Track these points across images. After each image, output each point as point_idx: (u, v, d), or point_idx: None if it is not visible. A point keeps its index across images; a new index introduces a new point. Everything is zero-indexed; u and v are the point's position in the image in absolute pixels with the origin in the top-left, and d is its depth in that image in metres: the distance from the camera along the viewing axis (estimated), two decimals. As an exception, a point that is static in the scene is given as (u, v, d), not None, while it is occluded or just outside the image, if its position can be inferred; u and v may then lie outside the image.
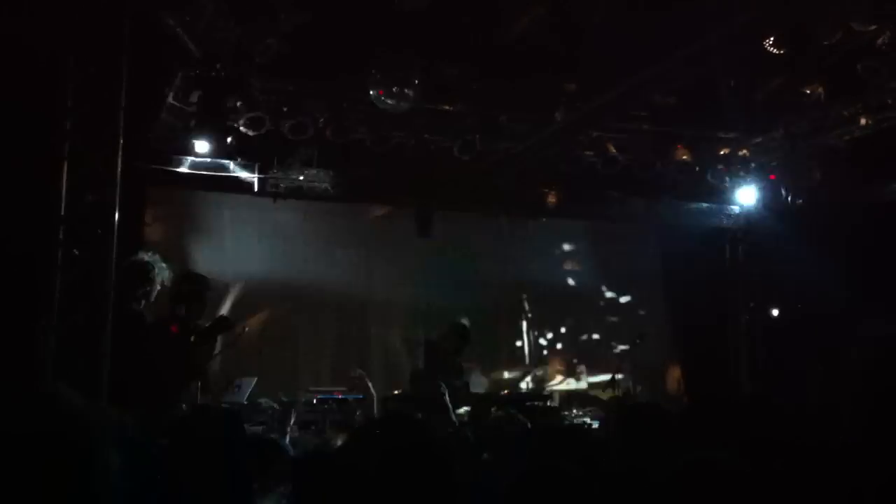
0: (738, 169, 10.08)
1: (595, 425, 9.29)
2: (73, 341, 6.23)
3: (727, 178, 10.33)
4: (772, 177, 10.12)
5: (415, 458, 3.08)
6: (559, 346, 12.48)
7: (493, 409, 9.06)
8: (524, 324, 12.43)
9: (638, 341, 10.48)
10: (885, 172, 8.93)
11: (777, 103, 8.72)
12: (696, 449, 3.43)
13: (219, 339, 7.61)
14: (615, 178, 10.24)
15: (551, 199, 10.72)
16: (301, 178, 10.06)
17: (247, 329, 8.31)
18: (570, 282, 12.63)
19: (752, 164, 10.10)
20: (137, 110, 7.11)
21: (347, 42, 7.23)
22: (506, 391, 10.71)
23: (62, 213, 6.34)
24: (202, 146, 8.97)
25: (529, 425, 5.73)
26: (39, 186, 6.48)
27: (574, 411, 9.93)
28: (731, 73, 7.99)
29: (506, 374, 11.76)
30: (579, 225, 12.49)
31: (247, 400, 8.72)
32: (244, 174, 9.86)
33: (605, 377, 11.07)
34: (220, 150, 9.23)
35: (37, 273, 6.37)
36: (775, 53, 7.19)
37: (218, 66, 7.31)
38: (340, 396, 9.10)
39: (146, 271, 7.08)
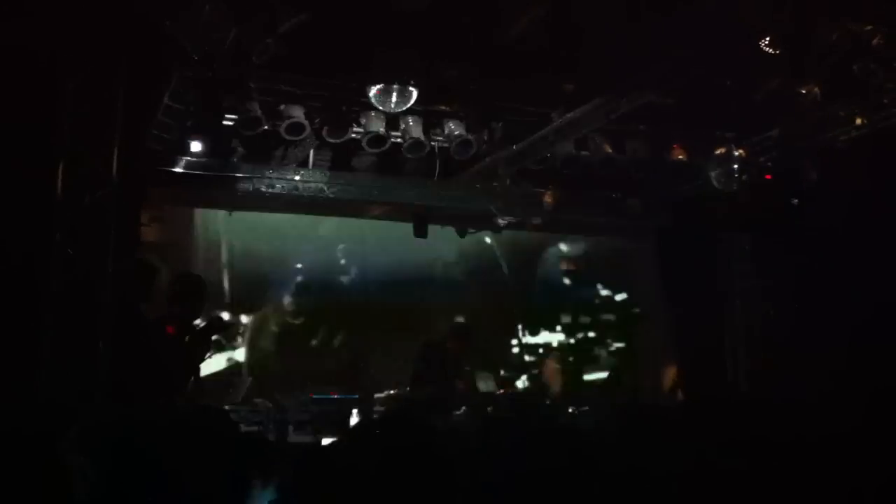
0: (734, 169, 10.09)
1: (592, 424, 9.30)
2: (70, 342, 6.23)
3: (723, 179, 10.33)
4: (767, 177, 10.12)
5: (415, 459, 3.09)
6: (555, 343, 12.50)
7: (489, 409, 9.08)
8: (521, 322, 12.45)
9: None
10: (882, 173, 8.93)
11: (773, 103, 8.72)
12: (693, 449, 3.44)
13: (213, 339, 7.62)
14: (612, 178, 10.26)
15: (548, 198, 10.73)
16: (298, 177, 10.06)
17: (242, 329, 8.34)
18: (566, 281, 12.66)
19: (749, 164, 10.10)
20: (135, 111, 7.11)
21: (345, 42, 7.23)
22: (503, 390, 10.72)
23: (60, 213, 6.34)
24: (199, 146, 8.98)
25: (527, 425, 5.73)
26: (37, 187, 6.47)
27: (571, 409, 9.96)
28: (728, 73, 8.00)
29: (503, 373, 11.78)
30: (575, 226, 12.51)
31: (242, 400, 8.73)
32: (240, 174, 9.86)
33: (603, 374, 11.15)
34: (217, 151, 9.24)
35: (34, 274, 6.36)
36: (771, 54, 7.19)
37: (215, 66, 7.29)
38: (336, 396, 9.11)
39: (144, 272, 7.08)
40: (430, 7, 6.61)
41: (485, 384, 9.52)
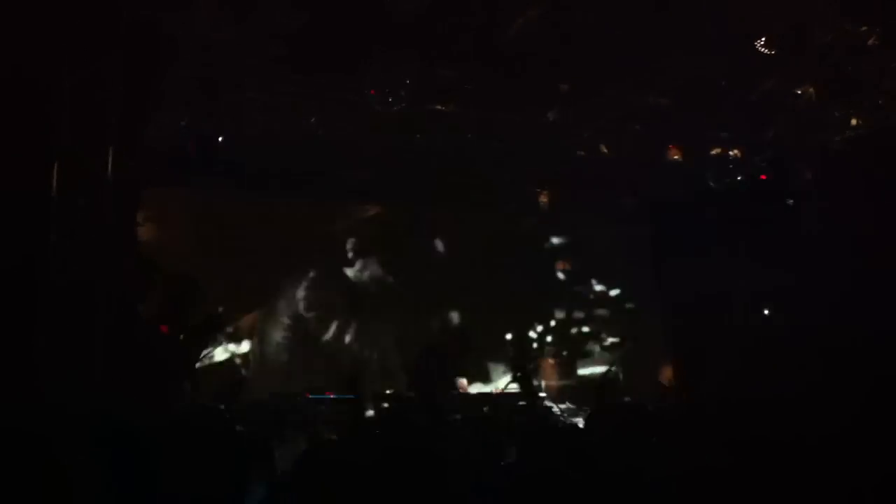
0: (730, 169, 10.12)
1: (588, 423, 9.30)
2: (66, 343, 6.22)
3: (720, 178, 10.36)
4: (763, 177, 10.15)
5: (413, 459, 3.09)
6: (549, 339, 12.51)
7: (485, 409, 9.09)
8: (518, 322, 12.45)
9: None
10: (879, 173, 8.96)
11: (769, 104, 8.74)
12: (688, 449, 3.45)
13: (208, 338, 7.61)
14: (608, 178, 10.28)
15: (544, 198, 10.76)
16: (297, 176, 10.08)
17: (239, 329, 8.34)
18: (562, 277, 12.67)
19: (745, 165, 10.13)
20: (132, 110, 7.10)
21: (343, 43, 7.23)
22: (498, 390, 10.73)
23: (56, 213, 6.32)
24: (197, 146, 8.98)
25: (523, 425, 5.75)
26: (33, 187, 6.45)
27: (567, 405, 9.99)
28: (724, 73, 8.02)
29: (499, 371, 11.79)
30: (573, 224, 12.53)
31: (238, 399, 8.72)
32: (239, 174, 9.86)
33: (599, 369, 11.18)
34: (214, 151, 9.23)
35: (29, 275, 6.35)
36: (767, 54, 7.22)
37: (213, 66, 7.30)
38: (333, 396, 9.11)
39: (139, 272, 7.07)
40: (425, 8, 6.63)
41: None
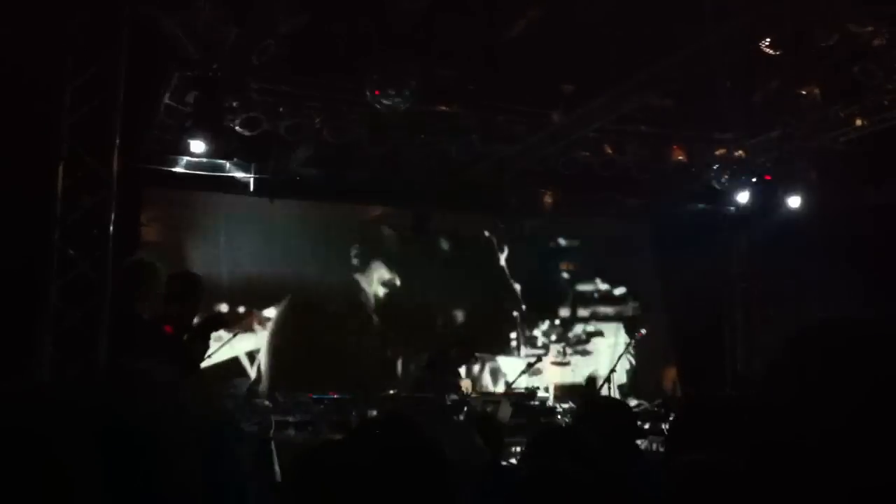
0: (734, 170, 10.09)
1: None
2: (69, 342, 6.23)
3: (723, 179, 10.34)
4: (767, 177, 10.12)
5: (414, 460, 3.08)
6: (553, 338, 12.50)
7: (488, 409, 9.07)
8: (519, 321, 12.44)
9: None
10: (881, 173, 8.94)
11: (774, 104, 8.72)
12: (683, 450, 3.42)
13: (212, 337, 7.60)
14: (612, 179, 10.26)
15: (548, 199, 10.74)
16: (298, 178, 10.07)
17: (242, 329, 8.31)
18: (566, 276, 12.66)
19: (749, 165, 10.11)
20: (134, 111, 7.11)
21: (345, 43, 7.23)
22: (501, 389, 10.72)
23: (59, 214, 6.33)
24: (199, 146, 8.97)
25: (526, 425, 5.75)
26: (36, 187, 6.47)
27: (570, 404, 9.97)
28: (728, 74, 8.00)
29: (501, 370, 11.77)
30: (576, 226, 12.51)
31: (242, 399, 8.72)
32: (240, 174, 9.86)
33: (603, 370, 11.15)
34: (216, 151, 9.23)
35: (34, 274, 6.36)
36: (772, 55, 7.19)
37: (215, 66, 7.29)
38: (336, 396, 9.11)
39: (143, 271, 7.07)
40: (428, 8, 6.62)
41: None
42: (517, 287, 12.35)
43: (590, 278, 12.71)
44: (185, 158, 9.34)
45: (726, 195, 10.77)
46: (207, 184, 9.73)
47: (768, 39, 7.07)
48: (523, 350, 12.30)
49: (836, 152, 9.10)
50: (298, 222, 11.23)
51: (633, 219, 12.06)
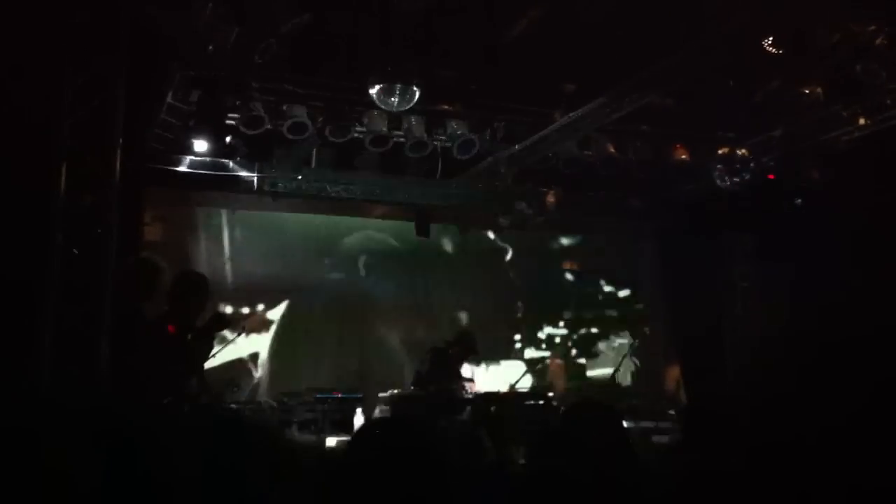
0: (736, 169, 10.07)
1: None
2: (71, 341, 6.23)
3: (726, 178, 10.32)
4: (770, 177, 10.11)
5: (416, 460, 3.08)
6: (557, 340, 12.51)
7: (492, 409, 9.07)
8: (522, 321, 12.45)
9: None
10: (883, 173, 8.91)
11: (776, 103, 8.71)
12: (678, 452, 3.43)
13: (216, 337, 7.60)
14: (614, 178, 10.25)
15: (550, 198, 10.74)
16: (300, 177, 10.08)
17: (246, 329, 8.31)
18: (569, 277, 12.66)
19: (751, 164, 10.09)
20: (136, 110, 7.11)
21: (346, 42, 7.23)
22: (505, 390, 10.72)
23: (61, 213, 6.34)
24: (201, 146, 8.99)
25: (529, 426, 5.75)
26: (38, 187, 6.47)
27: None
28: (730, 73, 7.98)
29: (505, 371, 11.79)
30: (578, 225, 12.51)
31: (246, 398, 8.73)
32: (243, 173, 9.87)
33: (607, 371, 11.18)
34: (218, 150, 9.25)
35: (36, 273, 6.36)
36: (774, 54, 7.18)
37: (217, 65, 7.29)
38: (339, 396, 9.12)
39: (145, 271, 7.08)
40: (432, 7, 6.62)
41: None
42: (520, 287, 12.37)
43: (591, 277, 12.72)
44: (188, 158, 9.35)
45: (729, 194, 10.75)
46: (209, 183, 9.74)
47: (770, 38, 7.06)
48: (526, 351, 12.32)
49: (838, 151, 9.08)
50: (300, 221, 11.25)
51: (635, 219, 12.05)
